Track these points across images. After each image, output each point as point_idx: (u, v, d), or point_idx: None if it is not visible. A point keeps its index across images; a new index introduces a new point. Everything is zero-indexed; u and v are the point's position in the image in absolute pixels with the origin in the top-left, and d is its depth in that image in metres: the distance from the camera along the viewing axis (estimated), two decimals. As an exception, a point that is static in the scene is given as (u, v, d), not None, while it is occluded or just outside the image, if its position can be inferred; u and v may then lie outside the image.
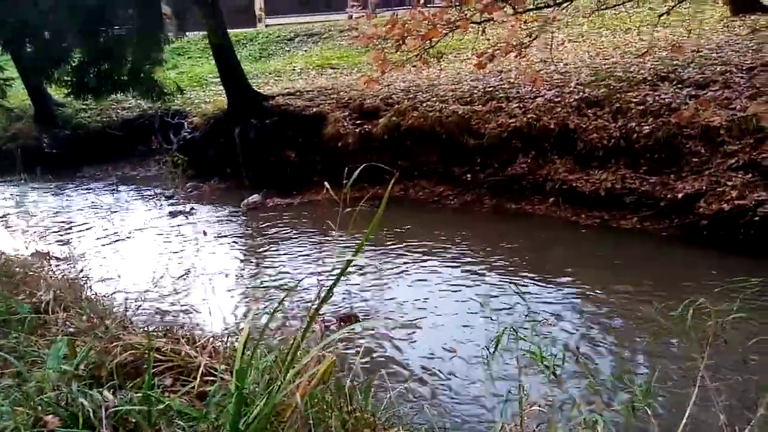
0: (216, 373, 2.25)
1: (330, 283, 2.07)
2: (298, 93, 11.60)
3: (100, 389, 2.10)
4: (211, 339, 2.88)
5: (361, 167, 2.06)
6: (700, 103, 7.09)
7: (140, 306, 4.69)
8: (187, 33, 13.74)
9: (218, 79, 12.69)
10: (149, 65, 11.13)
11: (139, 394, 2.06)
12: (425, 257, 6.94)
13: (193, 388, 2.27)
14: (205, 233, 8.27)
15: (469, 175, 9.27)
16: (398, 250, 7.19)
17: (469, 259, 6.79)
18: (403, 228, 7.94)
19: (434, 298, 5.78)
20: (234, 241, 8.24)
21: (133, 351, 2.52)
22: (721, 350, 3.17)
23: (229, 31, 12.16)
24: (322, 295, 2.08)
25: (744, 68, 8.21)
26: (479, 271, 6.41)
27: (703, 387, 2.18)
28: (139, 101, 13.35)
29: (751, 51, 8.83)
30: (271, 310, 2.20)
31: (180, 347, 2.68)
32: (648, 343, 4.47)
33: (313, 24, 18.71)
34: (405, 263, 6.78)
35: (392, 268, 6.64)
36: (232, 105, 11.59)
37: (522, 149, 8.77)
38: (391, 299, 5.83)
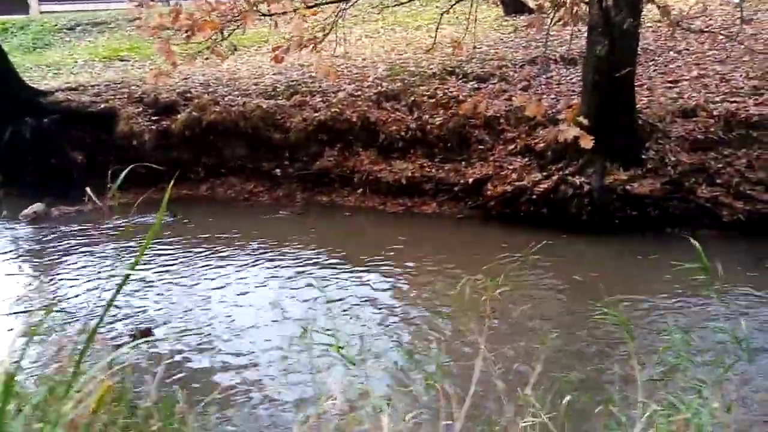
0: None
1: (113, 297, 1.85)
2: (82, 88, 10.48)
3: None
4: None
5: (129, 169, 1.88)
6: (480, 96, 7.79)
7: None
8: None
9: (-19, 73, 10.95)
10: None
11: None
12: (232, 260, 6.69)
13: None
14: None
15: (278, 171, 9.18)
16: (202, 254, 6.84)
17: (278, 258, 6.70)
18: (209, 230, 7.59)
19: (239, 302, 5.57)
20: (7, 259, 7.16)
21: None
22: (499, 322, 3.50)
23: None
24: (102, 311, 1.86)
25: (516, 63, 9.21)
26: (287, 269, 6.36)
27: (486, 359, 2.36)
28: None
29: (521, 48, 9.92)
30: (36, 336, 1.91)
31: None
32: (439, 322, 4.78)
33: (97, 12, 17.02)
34: (208, 268, 6.46)
35: (194, 275, 6.29)
36: (0, 102, 10.09)
37: (328, 142, 8.90)
38: (192, 308, 5.50)
